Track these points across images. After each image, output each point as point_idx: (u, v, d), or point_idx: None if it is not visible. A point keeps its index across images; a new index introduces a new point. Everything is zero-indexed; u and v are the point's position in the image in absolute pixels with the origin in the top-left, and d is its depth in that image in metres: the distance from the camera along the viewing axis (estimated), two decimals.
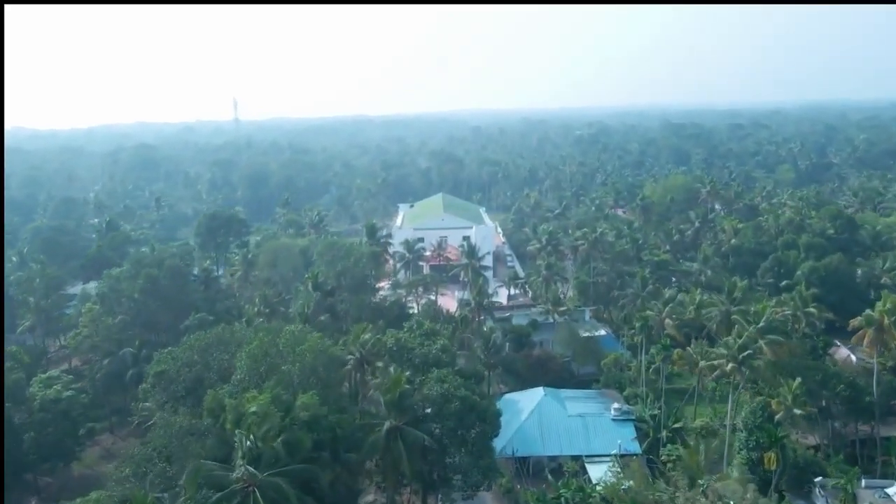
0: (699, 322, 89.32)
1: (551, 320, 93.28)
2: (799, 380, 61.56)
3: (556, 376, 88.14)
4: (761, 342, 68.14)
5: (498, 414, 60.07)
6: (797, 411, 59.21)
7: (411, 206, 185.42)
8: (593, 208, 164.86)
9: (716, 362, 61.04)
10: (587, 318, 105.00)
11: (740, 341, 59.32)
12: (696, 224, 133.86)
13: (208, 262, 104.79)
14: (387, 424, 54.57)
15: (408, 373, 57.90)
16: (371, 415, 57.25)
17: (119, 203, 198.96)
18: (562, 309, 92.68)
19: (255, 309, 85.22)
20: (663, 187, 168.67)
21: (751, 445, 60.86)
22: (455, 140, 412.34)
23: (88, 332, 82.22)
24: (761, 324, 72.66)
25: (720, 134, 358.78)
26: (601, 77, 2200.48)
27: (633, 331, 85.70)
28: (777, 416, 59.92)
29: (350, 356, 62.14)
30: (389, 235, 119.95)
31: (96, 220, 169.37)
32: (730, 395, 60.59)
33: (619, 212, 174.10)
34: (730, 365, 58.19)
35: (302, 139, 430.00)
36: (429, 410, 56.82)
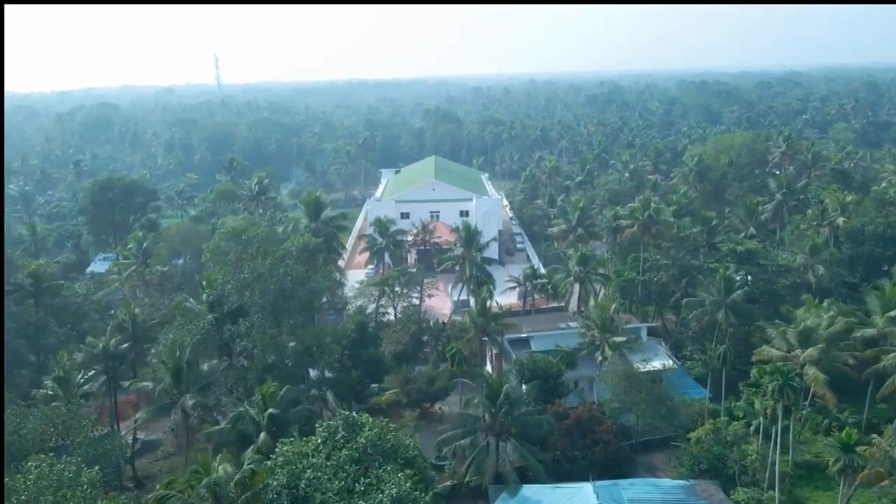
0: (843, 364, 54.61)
1: (600, 359, 57.50)
2: None
3: (609, 451, 53.23)
4: None
5: None
6: None
7: (397, 173, 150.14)
8: (626, 174, 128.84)
9: None
10: (644, 338, 70.01)
11: None
12: (778, 197, 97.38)
13: (48, 261, 68.32)
14: None
15: None
16: None
17: (37, 169, 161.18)
18: (618, 340, 56.68)
19: (100, 345, 49.82)
20: (714, 147, 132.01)
21: None
22: (454, 101, 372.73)
23: None
24: None
25: (748, 93, 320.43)
26: (597, 42, 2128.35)
27: (763, 395, 49.57)
28: None
29: None
30: (342, 216, 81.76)
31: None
32: None
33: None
34: None
35: (286, 101, 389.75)
36: None
